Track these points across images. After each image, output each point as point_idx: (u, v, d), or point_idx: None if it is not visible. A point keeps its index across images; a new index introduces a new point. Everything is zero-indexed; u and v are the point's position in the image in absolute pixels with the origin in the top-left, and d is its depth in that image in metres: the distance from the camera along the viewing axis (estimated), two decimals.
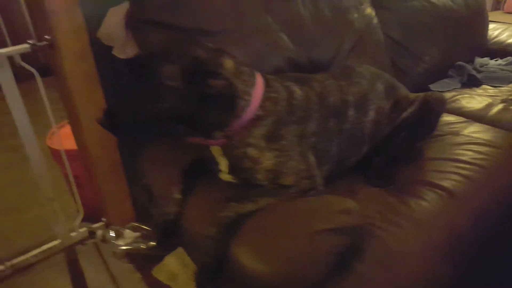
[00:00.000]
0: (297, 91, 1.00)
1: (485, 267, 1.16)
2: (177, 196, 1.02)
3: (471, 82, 1.84)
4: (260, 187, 0.94)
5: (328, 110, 1.05)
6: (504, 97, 1.66)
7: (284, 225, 0.84)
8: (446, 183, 1.11)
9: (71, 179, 1.55)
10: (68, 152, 1.56)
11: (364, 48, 1.47)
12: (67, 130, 1.66)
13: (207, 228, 0.88)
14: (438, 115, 1.27)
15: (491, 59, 2.03)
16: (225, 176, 1.01)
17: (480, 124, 1.43)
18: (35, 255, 1.53)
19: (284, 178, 0.92)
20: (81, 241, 1.61)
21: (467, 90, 1.78)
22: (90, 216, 1.67)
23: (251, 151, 0.91)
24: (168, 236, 1.03)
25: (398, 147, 1.25)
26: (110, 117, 0.85)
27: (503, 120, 1.51)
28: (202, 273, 0.91)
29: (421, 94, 1.27)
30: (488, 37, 2.18)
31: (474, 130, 1.38)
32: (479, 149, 1.27)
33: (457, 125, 1.42)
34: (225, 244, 0.86)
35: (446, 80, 1.85)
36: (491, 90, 1.78)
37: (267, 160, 0.91)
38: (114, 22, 1.15)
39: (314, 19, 1.34)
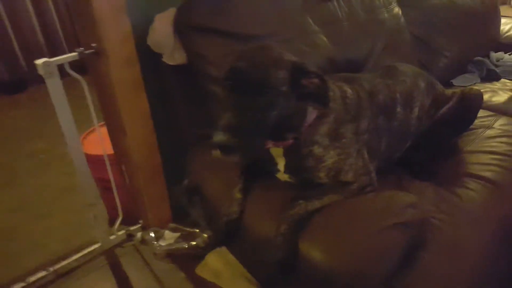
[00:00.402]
0: (348, 90, 1.04)
1: None
2: (238, 196, 1.06)
3: (490, 77, 1.90)
4: (320, 185, 0.98)
5: (378, 108, 1.09)
6: None
7: (353, 221, 0.89)
8: (488, 174, 1.17)
9: (113, 184, 1.57)
10: (99, 157, 1.58)
11: (395, 46, 1.52)
12: (95, 135, 1.68)
13: (277, 226, 0.92)
14: (477, 110, 1.31)
15: (505, 53, 2.10)
16: (283, 176, 1.04)
17: (507, 117, 1.49)
18: (76, 260, 1.55)
19: (345, 175, 0.96)
20: (120, 244, 1.64)
21: (488, 85, 1.84)
22: (124, 219, 1.69)
23: (317, 150, 0.95)
24: (231, 235, 1.06)
25: (439, 142, 1.30)
26: (234, 135, 0.79)
27: None
28: (273, 270, 0.94)
29: (458, 90, 1.32)
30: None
31: (503, 123, 1.44)
32: (510, 141, 1.33)
33: (486, 119, 1.47)
34: (295, 241, 0.90)
35: (466, 75, 1.91)
36: (509, 84, 1.84)
37: (330, 158, 0.95)
38: (162, 29, 1.18)
39: (350, 19, 1.39)
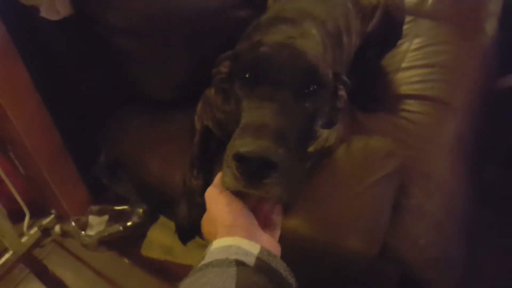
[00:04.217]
0: (313, 31, 0.84)
1: None
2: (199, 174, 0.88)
3: None
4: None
5: (333, 40, 0.93)
6: None
7: (336, 187, 0.79)
8: (429, 92, 1.14)
9: (3, 175, 1.24)
10: None
11: None
12: None
13: None
14: (402, 24, 1.22)
15: None
16: None
17: (429, 20, 1.45)
18: None
19: (330, 140, 0.83)
20: (37, 244, 1.37)
21: None
22: (31, 213, 1.39)
23: None
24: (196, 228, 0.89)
25: (370, 66, 1.22)
26: (281, 142, 0.51)
27: (440, 10, 1.56)
28: None
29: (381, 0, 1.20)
30: None
31: (427, 28, 1.40)
32: (438, 49, 1.31)
33: (408, 26, 1.42)
34: None
35: None
36: None
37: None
38: None
39: None
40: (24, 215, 1.34)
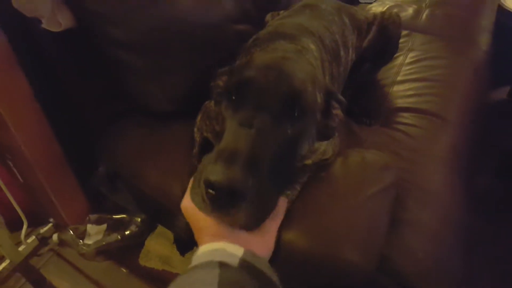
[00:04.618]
0: (311, 46, 0.86)
1: None
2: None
3: None
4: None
5: (330, 55, 0.95)
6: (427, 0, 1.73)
7: (333, 199, 0.80)
8: (424, 106, 1.17)
9: (2, 185, 1.24)
10: None
11: None
12: None
13: None
14: (398, 39, 1.24)
15: None
16: None
17: (423, 35, 1.49)
18: None
19: (327, 153, 0.85)
20: (34, 253, 1.37)
21: None
22: (28, 221, 1.39)
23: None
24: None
25: (365, 78, 1.25)
26: (250, 172, 0.51)
27: (433, 25, 1.59)
28: None
29: (378, 15, 1.23)
30: None
31: (421, 42, 1.44)
32: (432, 63, 1.34)
33: (403, 40, 1.45)
34: (277, 237, 0.80)
35: None
36: None
37: (322, 145, 0.82)
38: None
39: None
40: (22, 224, 1.34)
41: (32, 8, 0.85)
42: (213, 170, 0.49)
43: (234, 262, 0.47)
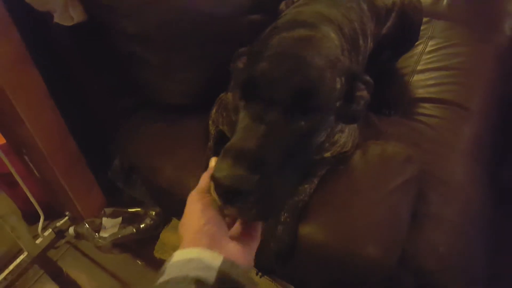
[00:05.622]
0: (332, 35, 0.83)
1: None
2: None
3: None
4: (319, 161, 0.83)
5: (349, 43, 0.91)
6: None
7: (355, 193, 0.78)
8: (445, 95, 1.13)
9: (18, 178, 1.25)
10: None
11: None
12: None
13: (280, 215, 0.78)
14: (419, 26, 1.19)
15: None
16: None
17: (443, 21, 1.43)
18: (5, 279, 1.28)
19: (347, 146, 0.83)
20: (52, 245, 1.38)
21: None
22: (45, 214, 1.40)
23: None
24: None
25: (384, 67, 1.20)
26: (255, 170, 0.50)
27: (455, 10, 1.53)
28: (275, 259, 0.82)
29: (397, 1, 1.18)
30: None
31: (442, 29, 1.38)
32: (454, 51, 1.29)
33: (423, 27, 1.39)
34: (296, 229, 0.78)
35: None
36: None
37: (343, 137, 0.80)
38: None
39: None
40: (39, 217, 1.35)
41: (44, 1, 0.84)
42: (219, 167, 0.49)
43: (211, 276, 0.45)
